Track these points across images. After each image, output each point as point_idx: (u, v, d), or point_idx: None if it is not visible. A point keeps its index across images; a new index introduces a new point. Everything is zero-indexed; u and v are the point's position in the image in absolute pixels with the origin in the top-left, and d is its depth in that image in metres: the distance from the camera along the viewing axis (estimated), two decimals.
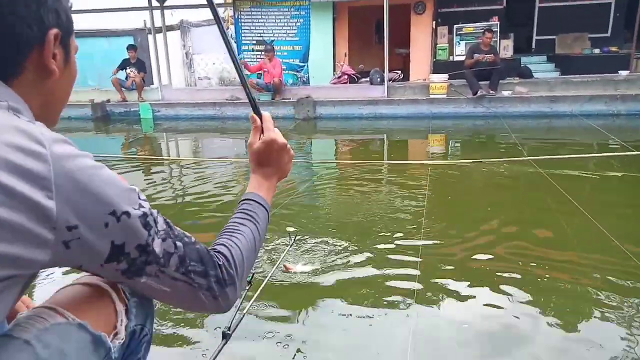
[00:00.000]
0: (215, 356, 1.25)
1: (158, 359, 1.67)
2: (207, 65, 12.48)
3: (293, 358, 1.70)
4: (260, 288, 1.67)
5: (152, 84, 10.58)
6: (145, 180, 4.66)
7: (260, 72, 9.27)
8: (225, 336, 1.26)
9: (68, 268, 0.74)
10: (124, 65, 9.95)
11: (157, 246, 0.70)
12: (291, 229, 2.88)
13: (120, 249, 0.66)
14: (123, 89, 9.87)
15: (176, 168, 5.37)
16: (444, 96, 8.48)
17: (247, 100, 1.03)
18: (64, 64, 0.75)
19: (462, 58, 9.03)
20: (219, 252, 0.80)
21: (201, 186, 4.32)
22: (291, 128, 7.86)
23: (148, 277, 0.70)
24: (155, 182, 4.59)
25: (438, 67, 9.74)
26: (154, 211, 0.72)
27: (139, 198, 0.70)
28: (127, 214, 0.66)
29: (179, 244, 0.73)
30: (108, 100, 9.85)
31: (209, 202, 3.81)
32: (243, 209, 0.94)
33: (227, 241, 0.84)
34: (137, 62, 9.97)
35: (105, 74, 9.82)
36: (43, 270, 0.70)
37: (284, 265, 2.31)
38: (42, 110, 0.74)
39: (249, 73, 9.69)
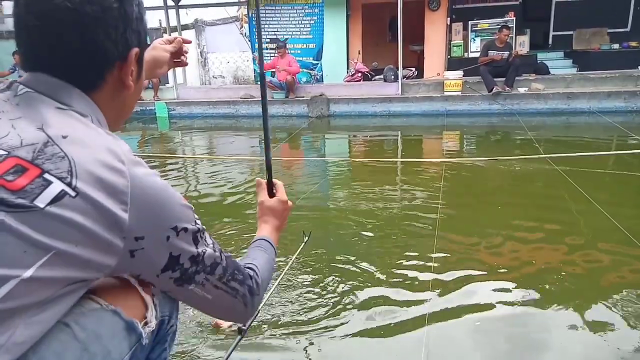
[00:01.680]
0: (232, 351, 1.29)
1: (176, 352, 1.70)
2: (222, 63, 12.57)
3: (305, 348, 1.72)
4: (276, 284, 1.69)
5: (168, 82, 10.70)
6: (162, 176, 4.71)
7: (273, 69, 9.30)
8: (241, 332, 1.29)
9: None
10: None
11: (207, 257, 0.80)
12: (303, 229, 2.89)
13: (176, 260, 0.75)
14: None
15: (191, 165, 5.43)
16: (459, 93, 8.42)
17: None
18: (137, 79, 0.82)
19: (477, 55, 8.94)
20: (248, 266, 0.94)
21: (215, 183, 4.36)
22: (305, 126, 7.88)
23: (196, 284, 0.80)
24: (169, 178, 4.65)
25: (453, 64, 9.66)
26: (203, 227, 0.82)
27: (194, 216, 0.80)
28: (185, 229, 0.76)
29: (223, 256, 0.84)
30: None
31: (222, 199, 3.85)
32: (258, 245, 1.10)
33: (250, 261, 0.98)
34: None
35: None
36: None
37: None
38: (114, 120, 0.83)
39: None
